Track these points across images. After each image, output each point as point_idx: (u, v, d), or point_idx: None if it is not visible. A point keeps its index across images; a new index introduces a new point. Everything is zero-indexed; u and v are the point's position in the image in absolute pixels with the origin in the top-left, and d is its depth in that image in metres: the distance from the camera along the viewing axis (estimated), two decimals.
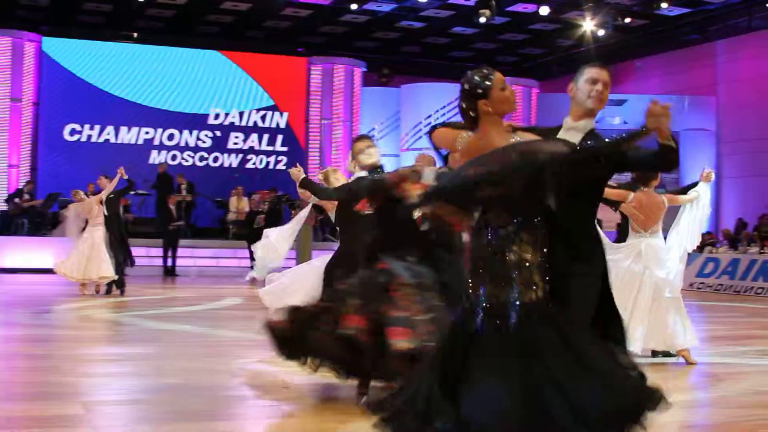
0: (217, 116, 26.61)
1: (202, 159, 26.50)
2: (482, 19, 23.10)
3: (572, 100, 4.43)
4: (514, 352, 3.82)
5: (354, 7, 24.04)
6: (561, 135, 4.36)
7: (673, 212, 8.92)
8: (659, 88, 25.70)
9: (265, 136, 26.95)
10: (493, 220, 4.00)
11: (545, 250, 3.98)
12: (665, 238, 8.81)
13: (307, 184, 8.03)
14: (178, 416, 5.87)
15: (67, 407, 6.06)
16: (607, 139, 4.09)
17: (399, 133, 28.21)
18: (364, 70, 28.20)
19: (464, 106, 4.28)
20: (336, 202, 8.27)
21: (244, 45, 27.70)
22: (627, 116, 25.22)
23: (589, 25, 24.94)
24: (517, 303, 3.90)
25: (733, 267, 20.04)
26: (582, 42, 26.29)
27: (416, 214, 5.94)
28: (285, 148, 27.00)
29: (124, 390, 6.99)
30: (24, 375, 7.65)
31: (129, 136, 25.89)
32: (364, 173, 7.57)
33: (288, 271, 9.65)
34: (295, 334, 6.11)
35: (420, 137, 27.54)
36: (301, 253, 21.10)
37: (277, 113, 27.12)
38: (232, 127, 26.83)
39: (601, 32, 25.22)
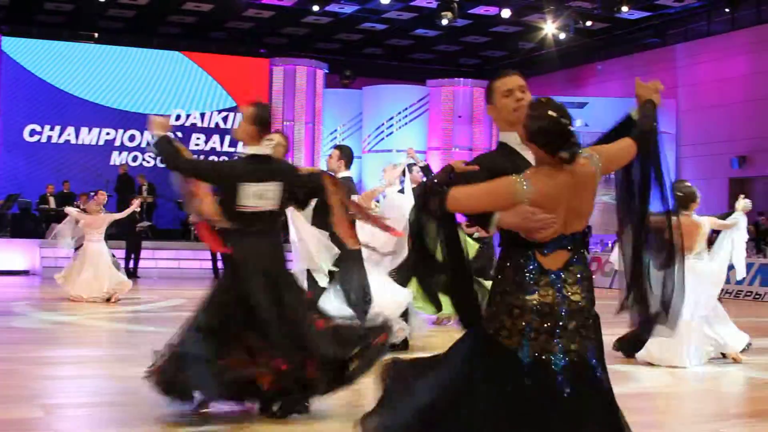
0: (178, 117, 26.50)
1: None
2: (444, 21, 23.15)
3: (498, 121, 4.00)
4: None
5: (316, 8, 24.03)
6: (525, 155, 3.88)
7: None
8: (620, 90, 25.86)
9: (227, 138, 26.86)
10: None
11: None
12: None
13: None
14: (140, 419, 5.81)
15: (27, 411, 6.01)
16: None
17: (361, 134, 28.21)
18: (327, 71, 28.18)
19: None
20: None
21: (205, 46, 27.61)
22: (588, 119, 25.35)
23: (550, 28, 25.09)
24: None
25: None
26: (543, 45, 26.46)
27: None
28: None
29: (85, 393, 6.94)
30: None
31: (90, 137, 25.72)
32: (348, 173, 8.36)
33: None
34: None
35: (382, 139, 27.57)
36: None
37: (239, 114, 26.93)
38: (193, 128, 26.73)
39: (562, 35, 25.38)
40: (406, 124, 27.76)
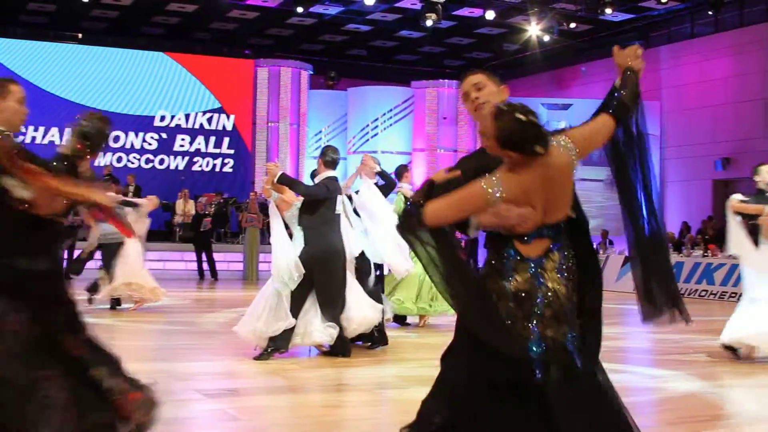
0: (163, 118, 26.45)
1: (148, 161, 26.33)
2: (429, 23, 23.18)
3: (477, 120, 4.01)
4: None
5: (300, 10, 24.02)
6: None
7: None
8: (604, 92, 25.42)
9: (212, 139, 26.83)
10: None
11: None
12: None
13: (285, 178, 8.33)
14: None
15: None
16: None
17: (346, 135, 28.21)
18: (311, 72, 28.17)
19: None
20: (291, 204, 8.47)
21: (190, 47, 27.55)
22: (572, 120, 25.40)
23: (534, 30, 25.13)
24: None
25: (677, 270, 20.26)
26: (527, 46, 26.51)
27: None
28: (231, 151, 26.88)
29: None
30: None
31: None
32: (334, 173, 8.43)
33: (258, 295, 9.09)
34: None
35: (367, 140, 27.58)
36: (248, 255, 21.07)
37: (223, 115, 27.02)
38: (178, 129, 26.68)
39: (546, 37, 25.44)
40: (390, 125, 27.78)
